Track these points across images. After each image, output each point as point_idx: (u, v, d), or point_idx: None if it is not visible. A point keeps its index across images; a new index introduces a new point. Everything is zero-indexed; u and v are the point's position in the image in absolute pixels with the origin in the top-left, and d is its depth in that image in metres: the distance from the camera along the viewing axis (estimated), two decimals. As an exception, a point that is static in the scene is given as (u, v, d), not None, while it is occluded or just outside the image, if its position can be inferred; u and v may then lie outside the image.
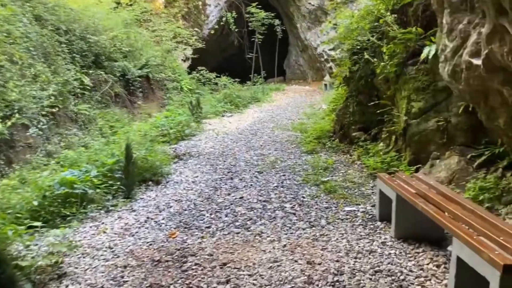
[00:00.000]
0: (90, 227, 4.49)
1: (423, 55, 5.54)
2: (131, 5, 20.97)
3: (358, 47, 7.17)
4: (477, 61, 3.60)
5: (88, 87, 10.22)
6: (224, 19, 21.58)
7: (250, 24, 16.59)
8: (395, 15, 6.29)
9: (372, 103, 7.03)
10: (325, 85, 21.18)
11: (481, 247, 2.47)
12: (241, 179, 6.14)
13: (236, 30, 20.83)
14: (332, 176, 6.05)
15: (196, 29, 21.93)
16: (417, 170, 5.59)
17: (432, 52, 5.43)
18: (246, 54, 16.33)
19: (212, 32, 22.79)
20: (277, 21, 18.71)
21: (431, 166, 5.45)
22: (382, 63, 6.29)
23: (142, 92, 14.92)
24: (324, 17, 21.84)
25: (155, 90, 16.42)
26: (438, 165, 5.37)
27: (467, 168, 5.07)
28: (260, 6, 15.90)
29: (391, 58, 6.18)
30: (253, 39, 16.90)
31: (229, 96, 13.40)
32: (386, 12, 6.31)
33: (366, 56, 6.62)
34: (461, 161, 5.15)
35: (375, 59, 6.52)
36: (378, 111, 6.92)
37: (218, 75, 18.41)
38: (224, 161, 7.22)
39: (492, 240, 2.58)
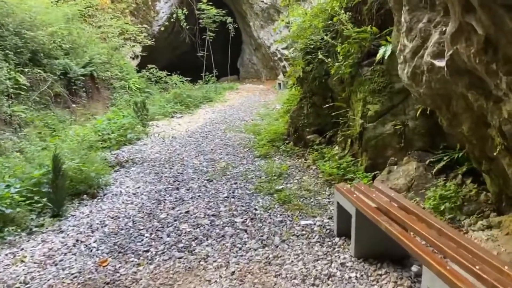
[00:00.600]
0: (6, 255, 3.81)
1: (378, 56, 5.27)
2: (74, -1, 19.75)
3: (312, 46, 6.83)
4: (440, 63, 3.30)
5: (24, 87, 9.31)
6: (174, 15, 20.82)
7: (201, 21, 15.96)
8: (349, 13, 5.98)
9: (327, 105, 6.73)
10: (279, 84, 20.96)
11: (456, 280, 2.12)
12: (188, 189, 5.61)
13: (187, 27, 20.12)
14: (286, 184, 5.66)
15: (145, 25, 21.00)
16: (374, 177, 5.32)
17: (388, 53, 5.16)
18: (198, 52, 15.71)
19: (162, 29, 21.91)
20: (229, 19, 18.19)
21: (389, 172, 5.19)
22: (336, 64, 5.97)
23: (86, 92, 13.98)
24: (277, 16, 21.58)
25: (100, 89, 15.49)
26: (396, 171, 5.11)
27: (426, 174, 4.84)
28: (211, 3, 15.33)
29: (346, 58, 5.88)
30: (204, 36, 16.28)
31: (179, 96, 12.75)
32: (340, 10, 5.99)
33: (320, 56, 6.28)
34: (420, 167, 4.91)
35: (329, 59, 6.20)
36: (333, 114, 6.62)
37: (169, 73, 17.65)
38: (171, 168, 6.64)
39: (467, 269, 2.25)
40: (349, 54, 5.87)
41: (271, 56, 22.53)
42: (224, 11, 16.42)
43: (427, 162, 4.93)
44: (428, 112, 4.77)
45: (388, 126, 5.29)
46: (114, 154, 7.48)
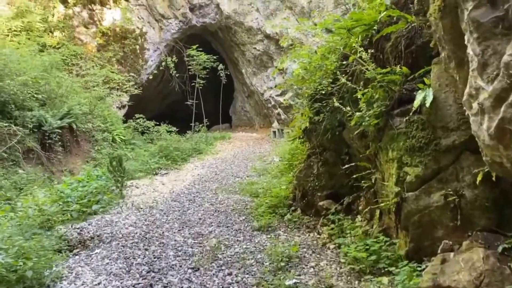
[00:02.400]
0: None
1: (416, 103, 3.99)
2: (58, 48, 18.86)
3: (322, 92, 5.57)
4: None
5: (-13, 142, 7.94)
6: (164, 63, 19.96)
7: (190, 67, 14.95)
8: (371, 51, 4.78)
9: (345, 166, 5.36)
10: (274, 132, 19.85)
11: None
12: (165, 286, 4.10)
13: (177, 75, 19.21)
14: (299, 275, 4.18)
15: (133, 74, 20.07)
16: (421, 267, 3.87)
17: (430, 99, 3.89)
18: (188, 101, 14.58)
19: (151, 77, 21.03)
20: (220, 65, 17.26)
21: (443, 262, 3.74)
22: (357, 113, 4.68)
23: (64, 146, 12.68)
24: (270, 63, 20.85)
25: (81, 142, 14.17)
26: (453, 261, 3.67)
27: (501, 268, 3.41)
28: (201, 50, 14.39)
29: (369, 106, 4.60)
30: (193, 83, 15.20)
31: (166, 149, 11.39)
32: (359, 47, 4.79)
33: (336, 104, 5.00)
34: (489, 256, 3.48)
35: (348, 108, 4.92)
36: (352, 174, 5.26)
37: (158, 123, 16.39)
38: (146, 250, 5.13)
39: None
40: (373, 100, 4.60)
41: (264, 103, 21.59)
42: (215, 57, 15.47)
43: (499, 249, 3.52)
44: (494, 178, 3.43)
45: (436, 197, 3.91)
46: (78, 228, 5.96)
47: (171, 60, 17.77)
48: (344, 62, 5.22)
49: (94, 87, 16.25)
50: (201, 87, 14.79)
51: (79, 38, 19.76)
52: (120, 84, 19.11)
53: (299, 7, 18.61)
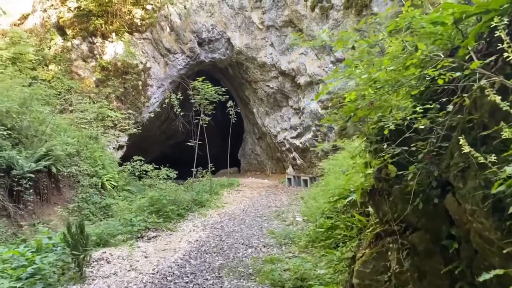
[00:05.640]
0: None
1: None
2: (49, 81, 17.05)
3: (401, 124, 3.19)
4: None
5: None
6: (167, 101, 18.00)
7: (193, 101, 12.80)
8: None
9: (447, 260, 2.91)
10: (289, 179, 17.43)
11: None
12: None
13: (181, 113, 17.15)
14: None
15: (132, 111, 18.07)
16: None
17: None
18: (192, 141, 12.37)
19: (152, 115, 19.04)
20: (230, 102, 15.13)
21: None
22: (508, 169, 2.26)
23: (39, 194, 10.48)
24: (285, 102, 18.79)
25: (62, 189, 11.92)
26: None
27: None
28: (208, 82, 12.40)
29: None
30: (196, 120, 12.98)
31: (158, 201, 8.97)
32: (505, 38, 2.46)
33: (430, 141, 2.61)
34: None
35: (466, 149, 2.51)
36: (463, 277, 2.81)
37: (157, 166, 13.98)
38: None
39: None
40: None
41: (277, 146, 19.33)
42: (223, 89, 13.33)
43: None
44: None
45: None
46: None
47: (176, 97, 15.76)
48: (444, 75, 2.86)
49: (84, 124, 14.18)
50: (206, 125, 12.53)
51: (77, 73, 18.05)
52: (117, 122, 17.11)
53: (318, 41, 16.66)
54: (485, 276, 2.17)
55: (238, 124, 20.43)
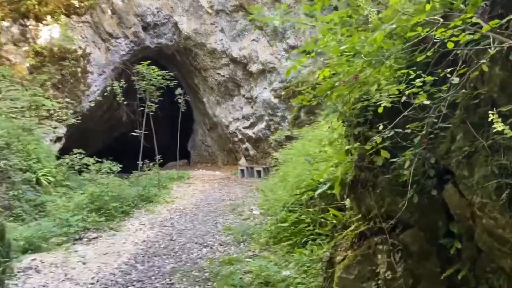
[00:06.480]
0: None
1: None
2: (-27, 67, 15.25)
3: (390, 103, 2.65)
4: None
5: None
6: (109, 89, 16.69)
7: (140, 90, 11.80)
8: None
9: (445, 264, 2.43)
10: (242, 170, 16.87)
11: None
12: None
13: (126, 103, 15.94)
14: None
15: (70, 100, 16.58)
16: None
17: None
18: (137, 131, 11.37)
19: (93, 104, 17.63)
20: (179, 90, 14.23)
21: None
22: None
23: (-45, 193, 9.10)
24: (236, 90, 18.12)
25: (-13, 187, 10.53)
26: None
27: None
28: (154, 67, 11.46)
29: None
30: (141, 108, 12.02)
31: (99, 198, 8.05)
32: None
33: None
34: None
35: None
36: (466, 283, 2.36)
37: (100, 159, 12.77)
38: None
39: None
40: None
41: (229, 137, 18.67)
42: (171, 73, 12.39)
43: None
44: None
45: None
46: None
47: (119, 85, 14.56)
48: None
49: (13, 113, 12.72)
50: (152, 114, 11.58)
51: (7, 58, 16.24)
52: (53, 112, 15.62)
53: (271, 27, 16.11)
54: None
55: (188, 114, 19.52)
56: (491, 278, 2.40)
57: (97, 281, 4.82)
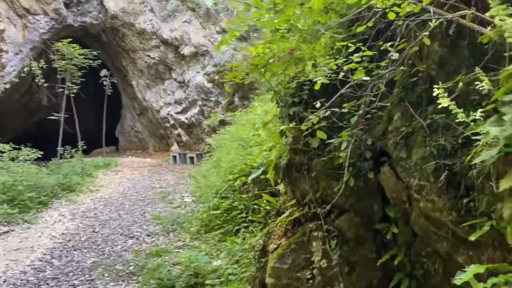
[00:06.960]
0: None
1: None
2: None
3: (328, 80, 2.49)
4: None
5: None
6: (27, 70, 15.19)
7: (60, 70, 10.80)
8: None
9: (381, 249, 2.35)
10: (174, 157, 16.33)
11: None
12: None
13: (46, 85, 14.59)
14: None
15: (-19, 81, 14.94)
16: None
17: None
18: (56, 115, 10.33)
19: (8, 86, 16.01)
20: (104, 71, 13.30)
21: None
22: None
23: None
24: (168, 74, 17.41)
25: None
26: None
27: None
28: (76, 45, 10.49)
29: None
30: (62, 89, 11.03)
31: (11, 188, 7.24)
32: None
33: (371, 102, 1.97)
34: None
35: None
36: (402, 268, 2.29)
37: (17, 146, 11.54)
38: None
39: None
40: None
41: (160, 122, 17.98)
42: (95, 52, 11.45)
43: None
44: None
45: None
46: None
47: (38, 65, 13.24)
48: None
49: None
50: (74, 96, 10.68)
51: None
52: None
53: (203, 9, 15.58)
54: (461, 277, 1.54)
55: (116, 98, 18.48)
56: (426, 262, 2.33)
57: (4, 281, 4.24)
